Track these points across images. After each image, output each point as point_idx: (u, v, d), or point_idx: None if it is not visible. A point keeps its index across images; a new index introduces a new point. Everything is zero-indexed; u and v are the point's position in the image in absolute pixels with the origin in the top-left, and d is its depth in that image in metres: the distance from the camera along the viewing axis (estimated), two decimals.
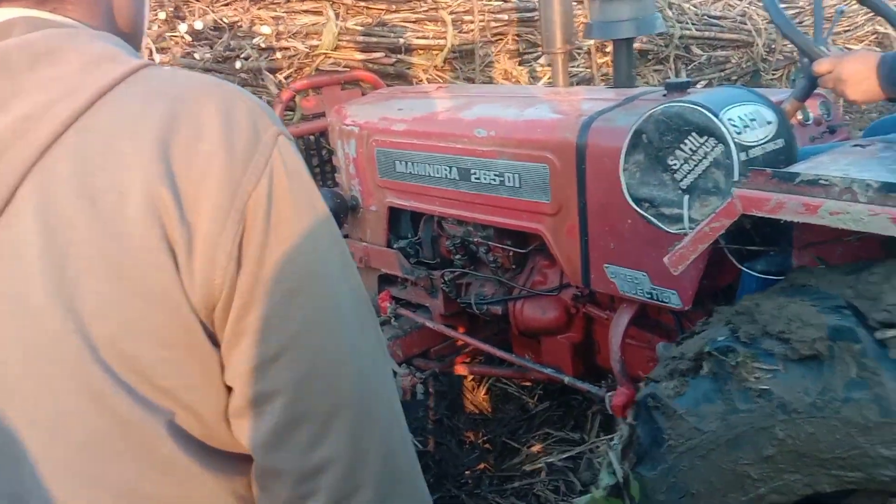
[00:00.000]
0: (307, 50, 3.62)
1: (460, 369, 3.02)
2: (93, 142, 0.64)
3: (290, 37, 3.56)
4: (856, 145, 1.53)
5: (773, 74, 5.97)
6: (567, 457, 2.86)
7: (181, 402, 0.67)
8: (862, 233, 1.28)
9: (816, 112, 2.17)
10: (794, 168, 1.36)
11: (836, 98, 2.09)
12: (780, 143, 1.53)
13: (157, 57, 3.44)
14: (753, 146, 1.48)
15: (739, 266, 1.79)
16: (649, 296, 2.09)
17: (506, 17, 4.39)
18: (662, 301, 2.06)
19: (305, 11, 3.62)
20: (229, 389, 0.69)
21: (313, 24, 3.65)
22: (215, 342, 0.68)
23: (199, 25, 3.46)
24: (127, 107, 0.65)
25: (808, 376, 1.29)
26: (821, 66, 1.61)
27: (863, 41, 6.28)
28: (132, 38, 0.78)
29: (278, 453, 0.69)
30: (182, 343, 0.66)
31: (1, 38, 0.65)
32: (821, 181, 1.25)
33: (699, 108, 1.50)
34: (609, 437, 2.79)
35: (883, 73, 1.52)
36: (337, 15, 3.68)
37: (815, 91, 1.91)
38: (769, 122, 1.53)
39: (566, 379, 2.48)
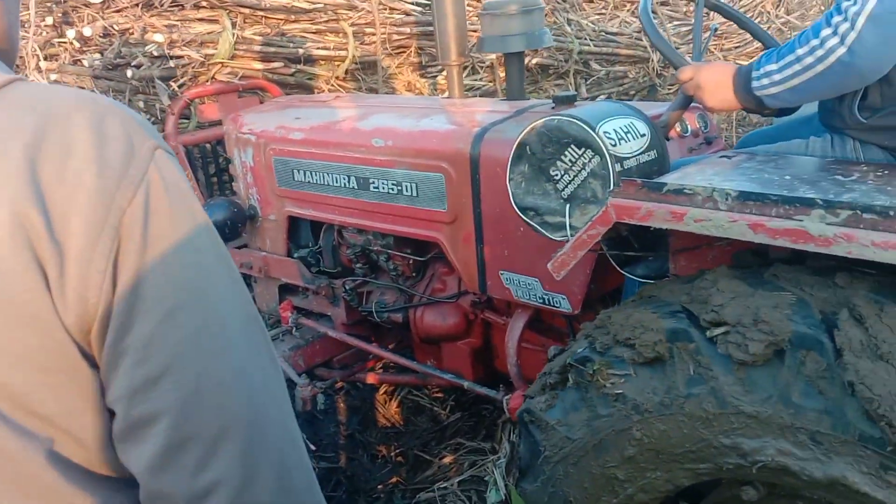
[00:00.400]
0: (202, 59, 3.55)
1: (365, 378, 3.03)
2: None
3: (184, 45, 3.49)
4: (722, 156, 1.64)
5: (669, 89, 6.24)
6: (479, 467, 2.91)
7: (61, 428, 0.64)
8: (726, 238, 1.38)
9: (694, 124, 2.29)
10: (662, 178, 1.44)
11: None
12: (652, 154, 1.62)
13: (44, 64, 3.32)
14: (628, 157, 1.57)
15: (621, 271, 1.88)
16: (542, 301, 2.16)
17: (407, 30, 4.44)
18: (554, 306, 2.14)
19: (200, 20, 3.56)
20: (112, 413, 0.66)
21: (209, 33, 3.59)
22: (94, 364, 0.65)
23: (87, 32, 3.35)
24: None
25: (654, 377, 1.39)
26: (683, 74, 1.72)
27: (752, 56, 6.63)
28: (5, 52, 0.75)
29: (165, 476, 0.67)
30: (58, 367, 0.63)
31: None
32: (686, 190, 1.34)
33: (577, 122, 1.57)
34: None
35: (738, 83, 1.63)
36: (234, 24, 3.64)
37: (694, 104, 2.04)
38: (643, 135, 1.62)
39: (466, 384, 2.53)
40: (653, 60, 6.11)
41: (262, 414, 0.70)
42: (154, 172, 0.66)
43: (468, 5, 4.32)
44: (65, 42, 3.38)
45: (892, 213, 1.11)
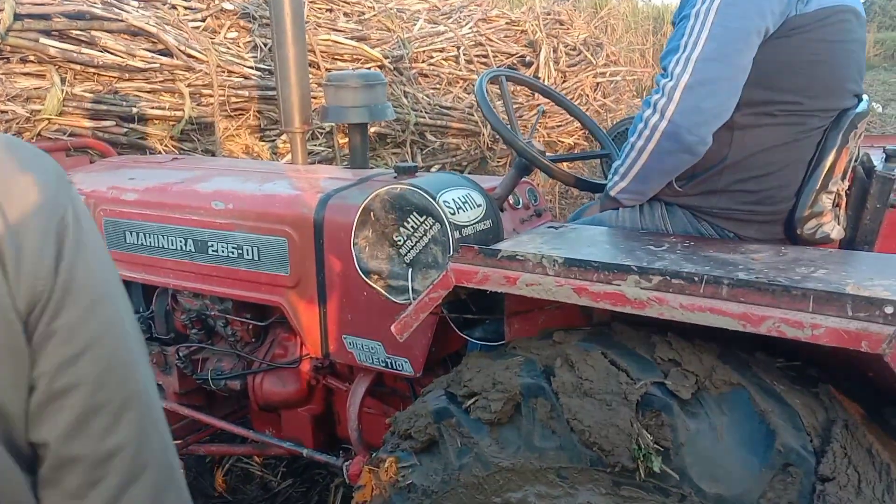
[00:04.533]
0: (28, 114, 3.37)
1: (197, 450, 2.89)
2: None
3: (8, 100, 3.30)
4: (550, 227, 1.78)
5: (499, 161, 6.61)
6: None
7: None
8: (557, 302, 1.50)
9: (525, 197, 2.46)
10: (497, 245, 1.55)
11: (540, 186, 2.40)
12: (488, 223, 1.73)
13: None
14: (466, 225, 1.67)
15: (461, 334, 1.97)
16: (384, 364, 2.20)
17: (246, 93, 4.44)
18: (396, 369, 2.18)
19: (27, 74, 3.38)
20: (30, 390, 0.78)
21: (36, 89, 3.41)
22: (29, 342, 0.78)
23: None
24: None
25: (434, 459, 1.53)
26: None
27: (573, 135, 7.17)
28: None
29: (76, 441, 0.79)
30: (4, 343, 0.75)
31: None
32: (518, 256, 1.45)
33: (419, 191, 1.66)
34: None
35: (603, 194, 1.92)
36: (63, 80, 3.49)
37: (524, 179, 2.20)
38: (479, 205, 1.73)
39: (305, 451, 2.49)
40: (483, 134, 6.47)
41: (152, 391, 0.87)
42: (75, 194, 0.83)
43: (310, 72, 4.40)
44: None
45: (696, 279, 1.27)
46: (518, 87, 6.79)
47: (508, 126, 2.07)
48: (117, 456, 0.81)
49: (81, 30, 3.56)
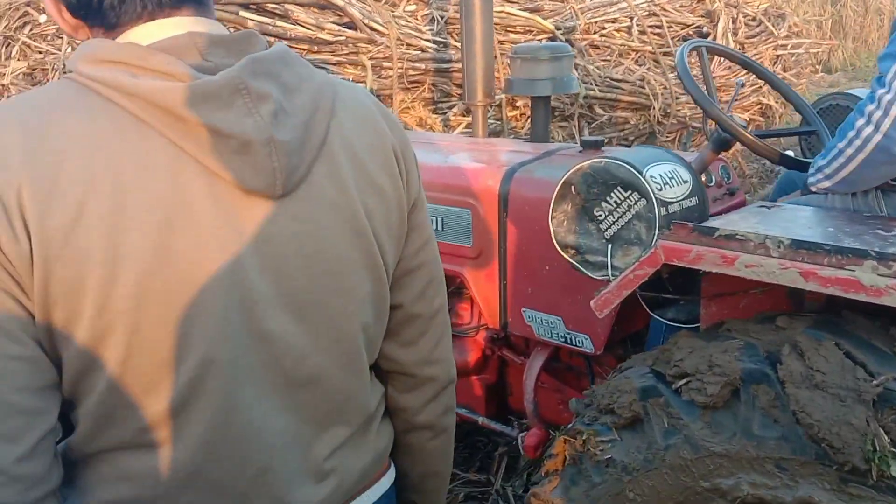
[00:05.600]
0: None
1: None
2: (349, 111, 0.96)
3: None
4: (762, 206, 1.68)
5: (668, 137, 6.36)
6: (475, 500, 2.89)
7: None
8: (767, 285, 1.42)
9: (718, 175, 2.35)
10: (713, 223, 1.48)
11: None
12: (694, 200, 1.66)
13: None
14: (672, 202, 1.61)
15: (651, 314, 1.91)
16: (563, 340, 2.18)
17: (423, 66, 4.51)
18: (576, 345, 2.16)
19: None
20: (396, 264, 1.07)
21: None
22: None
23: None
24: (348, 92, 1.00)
25: (636, 436, 1.48)
26: None
27: (748, 110, 6.78)
28: None
29: (419, 302, 1.09)
30: (396, 232, 1.03)
31: (243, 47, 0.89)
32: (737, 236, 1.38)
33: (625, 165, 1.62)
34: (516, 478, 2.85)
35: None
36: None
37: (719, 156, 2.09)
38: (685, 182, 1.67)
39: (480, 419, 2.53)
40: (654, 108, 6.23)
41: None
42: None
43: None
44: None
45: None
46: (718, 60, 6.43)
47: (709, 98, 1.97)
48: (440, 313, 1.12)
49: (276, 3, 3.73)
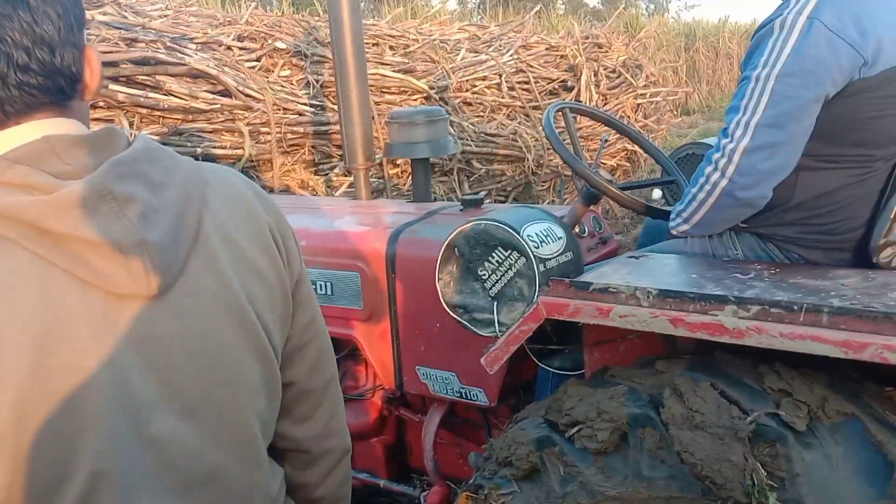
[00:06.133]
0: None
1: None
2: (220, 196, 0.97)
3: None
4: (631, 256, 1.80)
5: (542, 186, 6.63)
6: None
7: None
8: (641, 332, 1.52)
9: (590, 226, 2.49)
10: (587, 278, 1.58)
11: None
12: (569, 255, 1.76)
13: None
14: (549, 258, 1.70)
15: (540, 364, 1.99)
16: (459, 395, 2.23)
17: (301, 129, 4.54)
18: (471, 399, 2.21)
19: (97, 119, 3.51)
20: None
21: None
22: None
23: None
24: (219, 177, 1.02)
25: (535, 486, 1.53)
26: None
27: (615, 157, 7.18)
28: None
29: (313, 376, 1.13)
30: (282, 312, 1.04)
31: (104, 146, 0.88)
32: (610, 289, 1.47)
33: (503, 226, 1.70)
34: None
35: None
36: (131, 123, 3.62)
37: (589, 209, 2.23)
38: (560, 238, 1.77)
39: (382, 483, 2.52)
40: (528, 160, 6.50)
41: None
42: None
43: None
44: None
45: (795, 307, 1.28)
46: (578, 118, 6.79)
47: (576, 157, 2.10)
48: (332, 384, 1.14)
49: (147, 75, 3.69)
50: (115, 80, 3.63)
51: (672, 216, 1.91)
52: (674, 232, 1.93)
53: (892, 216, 1.70)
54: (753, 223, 1.85)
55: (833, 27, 1.59)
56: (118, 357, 0.83)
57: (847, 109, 1.65)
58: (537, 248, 1.69)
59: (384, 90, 5.32)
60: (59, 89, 0.87)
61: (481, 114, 6.42)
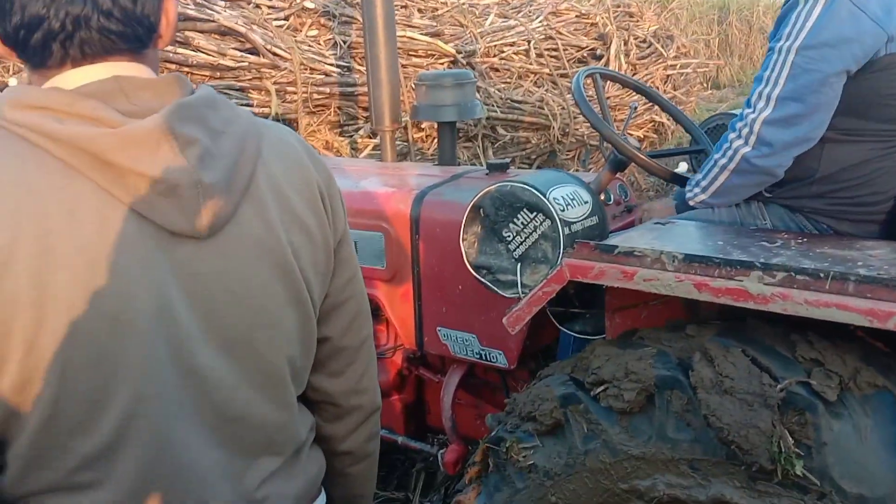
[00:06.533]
0: None
1: None
2: (275, 151, 1.00)
3: None
4: (657, 223, 1.80)
5: (567, 155, 6.59)
6: None
7: None
8: (666, 297, 1.52)
9: (616, 194, 2.48)
10: (612, 241, 1.58)
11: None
12: (594, 220, 1.77)
13: None
14: (574, 222, 1.71)
15: (560, 327, 2.00)
16: (479, 356, 2.25)
17: (327, 90, 4.53)
18: (491, 361, 2.23)
19: None
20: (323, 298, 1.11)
21: None
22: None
23: None
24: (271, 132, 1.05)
25: (557, 442, 1.55)
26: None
27: (642, 128, 7.11)
28: None
29: (347, 335, 1.14)
30: (323, 268, 1.07)
31: (170, 91, 0.91)
32: (635, 252, 1.48)
33: (529, 188, 1.70)
34: (434, 493, 2.89)
35: (677, 203, 2.01)
36: None
37: (616, 176, 2.22)
38: (586, 202, 1.77)
39: (399, 439, 2.56)
40: (554, 128, 6.46)
41: None
42: None
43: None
44: None
45: (821, 275, 1.28)
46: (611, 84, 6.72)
47: (606, 122, 2.09)
48: (366, 344, 1.16)
49: (178, 30, 3.69)
50: None
51: (690, 186, 1.91)
52: (691, 202, 1.93)
53: None
54: (781, 194, 1.84)
55: (857, 1, 1.58)
56: (165, 289, 0.87)
57: (872, 84, 1.64)
58: (563, 210, 1.69)
59: (411, 53, 5.29)
60: (136, 37, 0.91)
61: (508, 80, 6.37)
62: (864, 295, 1.26)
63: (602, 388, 1.47)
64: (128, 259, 0.84)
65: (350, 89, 4.61)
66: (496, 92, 6.04)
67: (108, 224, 0.83)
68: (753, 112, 1.71)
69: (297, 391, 1.07)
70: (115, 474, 0.86)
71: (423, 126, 5.13)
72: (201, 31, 3.84)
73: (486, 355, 2.24)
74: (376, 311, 2.53)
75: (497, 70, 6.31)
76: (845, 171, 1.74)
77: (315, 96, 4.45)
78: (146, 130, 0.84)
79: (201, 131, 0.89)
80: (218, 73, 3.93)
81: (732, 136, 1.76)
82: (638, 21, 8.00)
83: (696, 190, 1.88)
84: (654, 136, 7.34)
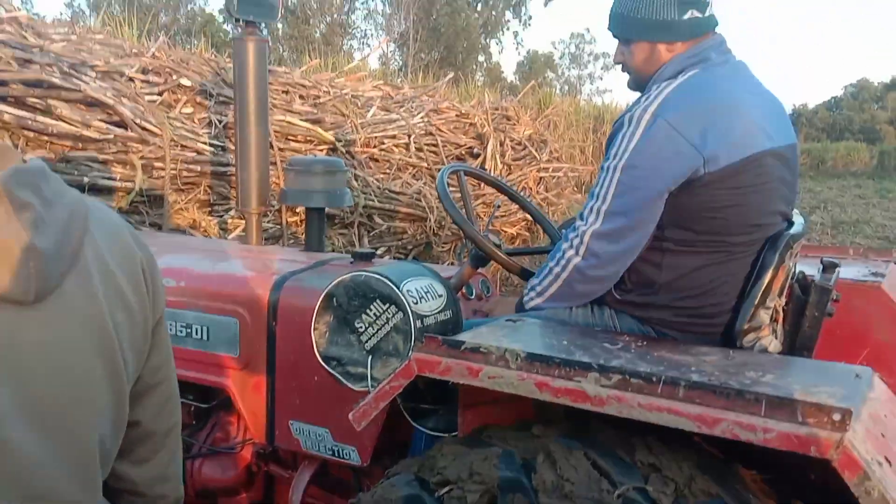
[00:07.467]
0: None
1: None
2: (100, 227, 1.02)
3: None
4: (508, 320, 1.82)
5: (444, 247, 6.70)
6: None
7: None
8: (514, 396, 1.52)
9: (478, 288, 2.51)
10: (460, 337, 1.58)
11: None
12: (448, 314, 1.76)
13: None
14: (428, 315, 1.70)
15: (413, 423, 1.96)
16: (331, 452, 2.16)
17: (198, 168, 4.44)
18: (343, 458, 2.14)
19: None
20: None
21: None
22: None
23: None
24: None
25: None
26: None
27: (515, 225, 7.35)
28: None
29: (158, 419, 1.15)
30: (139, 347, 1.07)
31: (2, 159, 0.91)
32: (481, 349, 1.47)
33: (383, 279, 1.69)
34: None
35: (517, 304, 2.01)
36: (16, 146, 3.44)
37: (478, 271, 2.25)
38: (440, 295, 1.77)
39: None
40: (430, 220, 6.57)
41: None
42: None
43: None
44: None
45: (654, 379, 1.32)
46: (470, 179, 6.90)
47: (466, 219, 2.13)
48: (174, 430, 1.16)
49: (38, 97, 3.54)
50: (2, 99, 3.46)
51: (526, 290, 1.96)
52: (526, 306, 1.97)
53: (755, 302, 1.78)
54: (631, 300, 1.91)
55: (676, 125, 1.70)
56: None
57: (697, 200, 1.75)
58: (416, 303, 1.68)
59: (290, 137, 5.29)
60: None
61: (387, 171, 6.47)
62: (694, 400, 1.29)
63: (446, 489, 1.44)
64: None
65: (222, 169, 4.53)
66: (374, 181, 6.11)
67: None
68: (584, 225, 1.80)
69: (103, 475, 1.03)
70: None
71: (297, 210, 5.09)
72: (66, 101, 3.69)
73: (338, 451, 2.16)
74: (226, 402, 2.41)
75: (377, 160, 6.41)
76: (683, 279, 1.82)
77: (185, 174, 4.35)
78: None
79: (35, 198, 0.90)
80: (80, 144, 3.77)
81: (565, 245, 1.84)
82: (515, 124, 8.39)
83: (532, 294, 1.94)
84: (527, 233, 7.61)
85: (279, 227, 5.03)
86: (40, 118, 3.61)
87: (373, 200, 5.87)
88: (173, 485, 1.19)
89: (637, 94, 1.91)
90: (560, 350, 1.52)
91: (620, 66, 2.00)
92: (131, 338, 1.02)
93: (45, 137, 3.60)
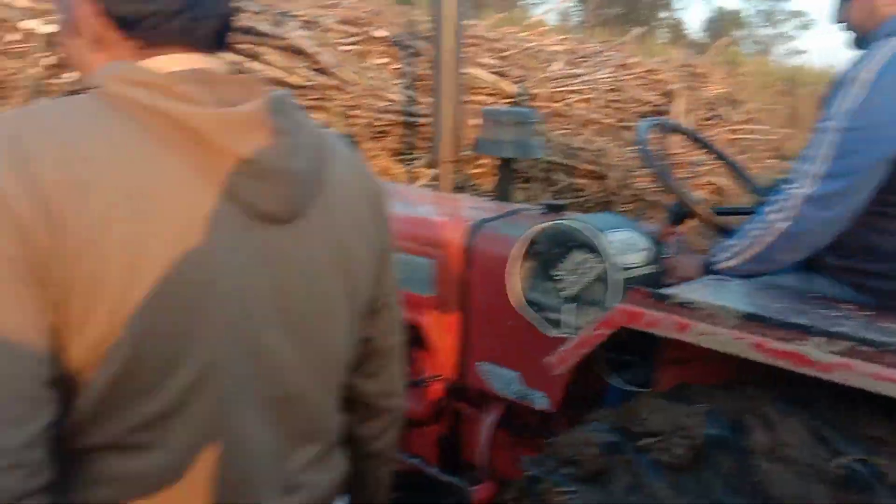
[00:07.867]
0: None
1: None
2: (339, 153, 1.06)
3: None
4: (715, 279, 1.76)
5: (623, 208, 6.55)
6: None
7: None
8: (718, 355, 1.48)
9: (674, 248, 2.44)
10: (670, 290, 1.55)
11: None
12: (651, 268, 1.73)
13: None
14: (630, 268, 1.68)
15: (605, 377, 1.96)
16: (520, 396, 2.20)
17: (391, 117, 4.60)
18: (532, 402, 2.18)
19: None
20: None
21: None
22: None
23: None
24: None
25: (598, 491, 1.48)
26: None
27: (701, 189, 7.03)
28: None
29: (388, 337, 1.19)
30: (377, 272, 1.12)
31: (254, 87, 0.96)
32: (692, 304, 1.44)
33: (587, 228, 1.68)
34: None
35: (704, 264, 1.90)
36: None
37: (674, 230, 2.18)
38: (643, 250, 1.74)
39: (431, 470, 2.52)
40: (610, 178, 6.43)
41: None
42: None
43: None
44: None
45: (888, 347, 1.23)
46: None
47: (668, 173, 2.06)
48: (399, 347, 1.21)
49: (251, 43, 3.80)
50: None
51: (717, 251, 1.85)
52: (717, 267, 1.86)
53: None
54: (847, 271, 1.80)
55: None
56: (246, 267, 0.91)
57: None
58: (619, 255, 1.66)
59: (474, 90, 5.34)
60: (222, 36, 0.99)
61: (569, 126, 6.39)
62: None
63: (651, 440, 1.41)
64: (214, 235, 0.88)
65: (412, 119, 4.67)
66: (556, 137, 6.05)
67: (198, 199, 0.88)
68: (794, 188, 1.70)
69: (340, 386, 1.11)
70: (169, 439, 0.88)
71: (480, 163, 5.16)
72: (274, 47, 3.94)
73: (527, 395, 2.20)
74: (419, 339, 2.52)
75: (560, 115, 6.34)
76: None
77: (377, 122, 4.52)
78: (244, 115, 0.90)
79: (289, 124, 0.95)
80: (283, 90, 4.02)
81: (771, 208, 1.75)
82: (705, 82, 7.97)
83: (725, 255, 1.83)
84: (715, 198, 7.26)
85: (464, 177, 5.13)
86: (248, 64, 3.87)
87: (555, 156, 5.83)
88: (400, 399, 1.25)
89: (857, 54, 1.78)
90: (777, 312, 1.45)
91: (844, 24, 1.88)
92: (366, 262, 1.07)
93: None
